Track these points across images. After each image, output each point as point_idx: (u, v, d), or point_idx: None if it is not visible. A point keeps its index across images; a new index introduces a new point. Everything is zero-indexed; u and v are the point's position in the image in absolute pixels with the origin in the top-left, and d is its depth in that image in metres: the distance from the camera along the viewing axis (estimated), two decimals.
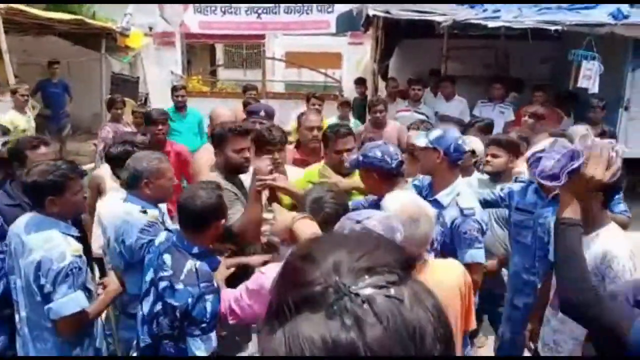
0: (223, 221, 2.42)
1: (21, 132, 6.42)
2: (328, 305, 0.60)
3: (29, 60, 10.07)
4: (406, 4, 7.19)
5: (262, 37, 11.88)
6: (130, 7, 10.18)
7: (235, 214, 2.85)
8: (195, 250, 2.33)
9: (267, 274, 2.11)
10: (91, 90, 9.80)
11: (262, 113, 4.57)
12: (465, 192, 2.85)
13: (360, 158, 2.81)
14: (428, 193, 2.91)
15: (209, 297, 2.22)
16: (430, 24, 7.13)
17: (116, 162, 3.28)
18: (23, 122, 6.56)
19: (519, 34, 6.84)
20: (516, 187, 3.34)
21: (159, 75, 10.35)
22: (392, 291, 0.61)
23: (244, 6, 10.28)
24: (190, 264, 2.27)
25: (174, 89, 6.62)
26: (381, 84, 8.37)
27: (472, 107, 7.04)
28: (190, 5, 10.24)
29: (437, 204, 2.73)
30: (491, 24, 6.53)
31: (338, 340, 0.57)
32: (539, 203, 3.09)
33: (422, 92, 7.02)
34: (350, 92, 10.04)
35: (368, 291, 0.60)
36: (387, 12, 6.92)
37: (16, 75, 8.07)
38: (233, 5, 10.24)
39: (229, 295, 2.28)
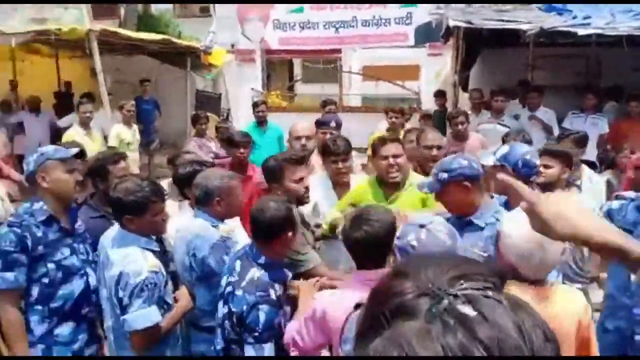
0: (291, 234, 2.39)
1: (126, 144, 6.81)
2: (426, 311, 0.56)
3: (122, 78, 10.72)
4: (488, 9, 6.98)
5: (339, 51, 11.96)
6: (214, 26, 10.61)
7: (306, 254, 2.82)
8: (262, 260, 2.34)
9: (318, 299, 2.12)
10: (177, 106, 10.26)
11: (333, 124, 4.58)
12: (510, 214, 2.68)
13: (445, 175, 2.55)
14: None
15: (263, 307, 2.21)
16: (514, 32, 6.86)
17: (184, 182, 3.30)
18: (129, 135, 6.93)
19: (613, 41, 6.44)
20: (615, 205, 3.10)
21: (240, 91, 10.66)
22: (490, 293, 0.58)
23: (321, 21, 10.42)
24: (254, 272, 2.30)
25: (255, 105, 6.77)
26: (462, 96, 8.15)
27: (561, 119, 6.67)
28: (270, 22, 10.51)
29: (474, 226, 2.54)
30: (582, 32, 6.18)
31: (447, 345, 0.52)
32: None
33: (505, 103, 6.76)
34: (428, 104, 9.86)
35: (467, 292, 0.57)
36: (469, 22, 6.72)
37: (110, 92, 8.59)
38: (311, 20, 10.40)
39: (293, 326, 2.24)
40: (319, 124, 4.76)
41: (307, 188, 2.94)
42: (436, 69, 10.52)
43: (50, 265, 2.64)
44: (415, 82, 12.59)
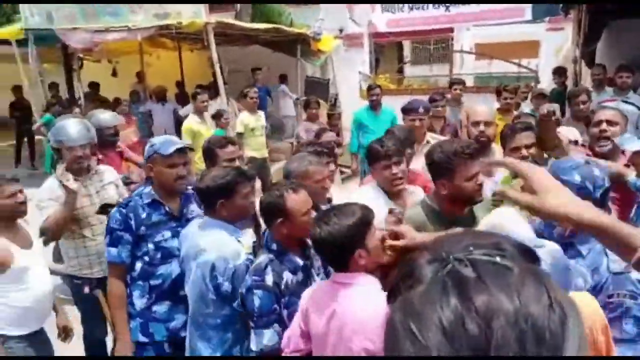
0: (282, 220, 2.28)
1: (251, 130, 7.18)
2: (431, 274, 0.58)
3: (237, 68, 11.25)
4: None
5: (451, 30, 11.56)
6: (322, 13, 10.73)
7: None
8: (274, 246, 2.33)
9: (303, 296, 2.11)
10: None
11: (421, 109, 4.30)
12: None
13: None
14: None
15: (257, 291, 2.20)
16: None
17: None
18: (252, 121, 7.27)
19: None
20: None
21: (347, 76, 10.73)
22: (498, 259, 0.56)
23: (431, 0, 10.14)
24: (262, 257, 2.31)
25: (369, 88, 6.77)
26: (585, 72, 7.54)
27: None
28: (378, 5, 10.42)
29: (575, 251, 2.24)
30: None
31: (442, 308, 0.53)
32: None
33: (631, 79, 6.15)
34: (549, 83, 9.23)
35: (472, 256, 0.57)
36: None
37: (225, 82, 9.06)
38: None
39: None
40: (405, 110, 4.47)
41: (480, 185, 2.43)
42: (557, 45, 9.81)
43: (150, 246, 2.80)
44: (534, 59, 11.84)
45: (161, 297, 2.84)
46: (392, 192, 2.86)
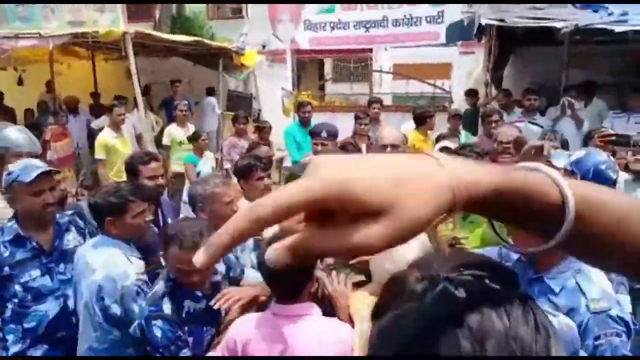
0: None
1: (178, 143, 6.95)
2: (421, 293, 0.56)
3: (155, 80, 10.93)
4: (521, 7, 6.85)
5: (370, 50, 11.92)
6: (246, 27, 10.72)
7: None
8: (172, 275, 2.26)
9: (234, 328, 1.99)
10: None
11: (324, 134, 4.21)
12: None
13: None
14: None
15: (156, 322, 2.13)
16: (548, 30, 6.73)
17: (241, 173, 3.43)
18: (181, 134, 7.05)
19: None
20: None
21: (270, 91, 10.74)
22: (487, 281, 0.55)
23: (352, 21, 10.42)
24: (159, 286, 2.24)
25: (301, 105, 6.77)
26: (494, 94, 8.03)
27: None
28: (301, 23, 10.57)
29: None
30: (618, 29, 6.02)
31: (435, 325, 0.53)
32: None
33: (537, 102, 6.63)
34: (460, 103, 9.74)
35: (462, 277, 0.55)
36: (502, 20, 6.62)
37: (143, 94, 8.77)
38: (342, 20, 10.41)
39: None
40: (310, 134, 4.44)
41: None
42: (468, 68, 10.39)
43: (17, 287, 2.55)
44: (447, 80, 12.45)
45: (37, 340, 2.60)
46: None
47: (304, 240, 0.47)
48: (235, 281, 2.57)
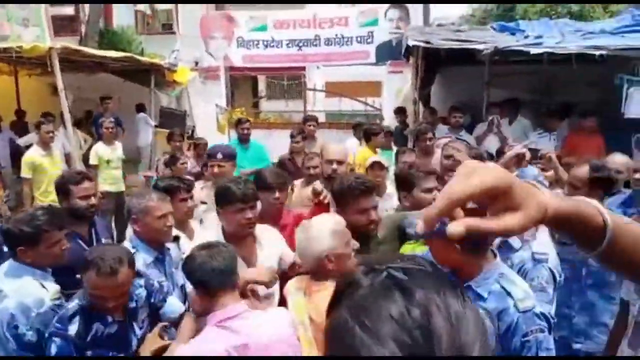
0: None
1: (106, 162, 6.73)
2: (372, 280, 0.67)
3: (83, 96, 10.58)
4: (445, 30, 7.25)
5: (303, 68, 12.13)
6: (178, 44, 10.63)
7: None
8: (82, 293, 2.28)
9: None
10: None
11: (219, 155, 4.11)
12: (541, 235, 2.60)
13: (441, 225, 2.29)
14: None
15: (56, 340, 2.14)
16: (470, 51, 7.15)
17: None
18: (108, 152, 6.83)
19: (563, 58, 6.77)
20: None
21: (204, 108, 10.68)
22: (423, 268, 0.68)
23: (285, 39, 10.58)
24: (72, 304, 2.24)
25: (239, 122, 6.71)
26: (421, 112, 8.40)
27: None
28: (234, 40, 10.60)
29: (507, 246, 2.56)
30: (534, 51, 6.49)
31: (390, 307, 0.62)
32: None
33: (462, 119, 7.01)
34: (390, 120, 10.09)
35: (402, 265, 0.68)
36: (428, 42, 6.98)
37: (70, 111, 8.47)
38: (275, 38, 10.55)
39: None
40: (208, 156, 4.42)
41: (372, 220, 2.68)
42: (397, 86, 10.80)
43: None
44: (377, 98, 12.87)
45: None
46: (237, 236, 2.72)
47: (481, 221, 0.73)
48: (155, 308, 2.55)
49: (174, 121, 10.13)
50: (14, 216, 2.53)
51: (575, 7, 14.08)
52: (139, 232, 2.80)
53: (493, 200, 0.72)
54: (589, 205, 0.83)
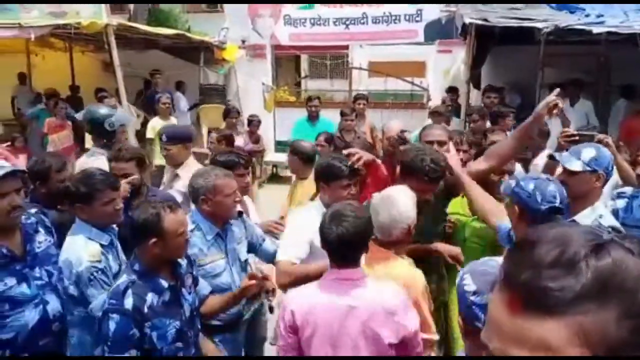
0: (155, 240, 2.22)
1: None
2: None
3: (132, 72, 10.77)
4: (499, 7, 7.09)
5: (346, 47, 12.04)
6: (226, 22, 10.69)
7: None
8: (137, 267, 2.27)
9: (287, 298, 2.26)
10: (188, 100, 10.35)
11: (164, 138, 4.00)
12: (607, 214, 2.60)
13: (513, 184, 2.35)
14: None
15: (114, 315, 2.13)
16: (525, 30, 6.98)
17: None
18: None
19: (623, 39, 6.57)
20: (620, 204, 3.19)
21: (250, 86, 10.76)
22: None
23: (332, 18, 10.53)
24: (122, 279, 2.24)
25: (309, 99, 6.89)
26: (472, 92, 8.28)
27: None
28: (281, 18, 10.61)
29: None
30: (597, 30, 6.31)
31: None
32: None
33: (497, 99, 6.83)
34: (436, 101, 9.97)
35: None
36: (485, 20, 6.84)
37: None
38: (322, 17, 10.51)
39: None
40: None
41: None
42: (445, 66, 10.63)
43: None
44: (422, 79, 12.70)
45: (16, 351, 2.43)
46: None
47: None
48: (195, 278, 2.62)
49: (214, 97, 10.25)
50: (73, 177, 2.70)
51: None
52: (207, 210, 2.77)
53: None
54: None
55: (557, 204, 2.21)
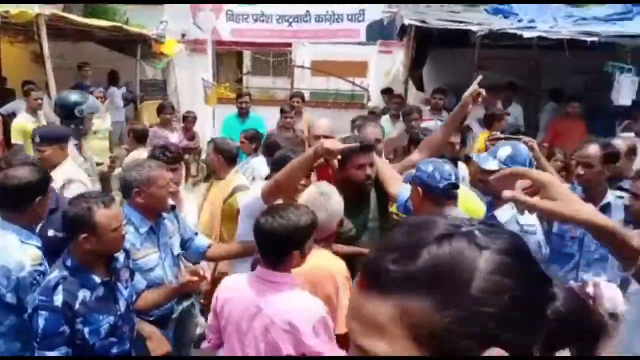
0: (86, 235, 2.19)
1: (92, 132, 6.55)
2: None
3: (64, 64, 10.29)
4: (438, 10, 7.27)
5: (289, 45, 12.00)
6: (165, 15, 10.40)
7: None
8: (69, 262, 2.23)
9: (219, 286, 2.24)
10: (124, 94, 10.00)
11: (37, 139, 3.64)
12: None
13: (414, 171, 2.56)
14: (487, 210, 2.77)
15: (43, 312, 2.10)
16: (462, 33, 7.19)
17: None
18: (96, 123, 6.68)
19: (553, 44, 6.87)
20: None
21: (190, 82, 10.52)
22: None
23: (275, 14, 10.46)
24: (53, 275, 2.20)
25: (239, 96, 6.85)
26: (410, 93, 8.44)
27: None
28: (223, 13, 10.44)
29: (494, 220, 2.60)
30: (527, 34, 6.58)
31: None
32: None
33: (443, 101, 7.01)
34: (376, 102, 10.10)
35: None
36: (423, 21, 7.00)
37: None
38: (265, 13, 10.42)
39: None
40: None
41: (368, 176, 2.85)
42: (386, 67, 10.78)
43: None
44: (363, 79, 12.83)
45: None
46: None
47: (547, 203, 1.04)
48: (132, 272, 2.59)
49: (154, 92, 9.97)
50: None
51: None
52: (140, 203, 2.73)
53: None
54: (629, 230, 1.02)
55: (453, 180, 2.44)
